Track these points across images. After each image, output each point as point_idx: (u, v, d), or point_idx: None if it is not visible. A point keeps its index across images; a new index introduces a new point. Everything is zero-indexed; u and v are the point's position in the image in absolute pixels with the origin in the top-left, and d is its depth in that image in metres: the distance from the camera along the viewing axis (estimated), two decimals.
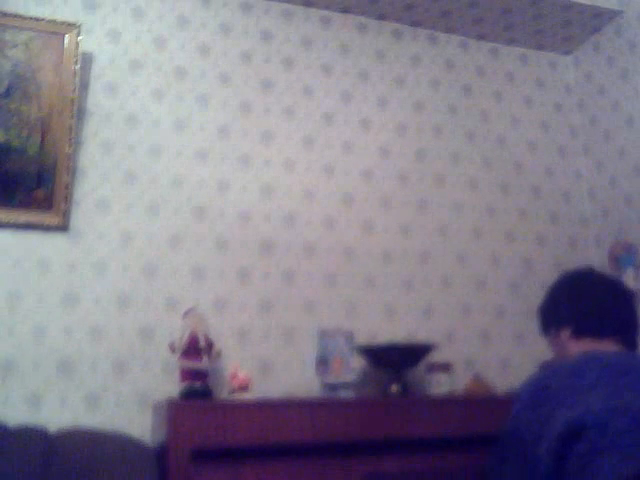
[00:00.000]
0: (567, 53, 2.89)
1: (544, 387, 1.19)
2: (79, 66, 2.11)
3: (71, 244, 2.05)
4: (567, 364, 1.23)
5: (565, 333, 1.43)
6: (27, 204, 1.99)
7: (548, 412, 1.12)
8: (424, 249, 2.46)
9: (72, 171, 2.06)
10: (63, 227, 2.03)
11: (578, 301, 1.43)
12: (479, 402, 1.94)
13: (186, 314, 1.95)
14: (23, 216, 1.98)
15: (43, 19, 2.10)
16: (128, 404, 1.98)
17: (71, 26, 2.13)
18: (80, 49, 2.12)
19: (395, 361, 2.06)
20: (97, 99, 2.18)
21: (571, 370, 1.19)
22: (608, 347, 1.35)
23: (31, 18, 2.09)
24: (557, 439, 1.07)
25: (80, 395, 1.95)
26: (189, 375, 1.87)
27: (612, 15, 2.62)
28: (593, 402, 1.08)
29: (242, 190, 2.28)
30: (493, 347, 2.44)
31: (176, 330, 1.97)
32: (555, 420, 1.09)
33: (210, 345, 1.92)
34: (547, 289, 1.57)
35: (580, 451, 1.03)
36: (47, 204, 2.01)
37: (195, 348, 1.89)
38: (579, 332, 1.40)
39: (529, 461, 1.12)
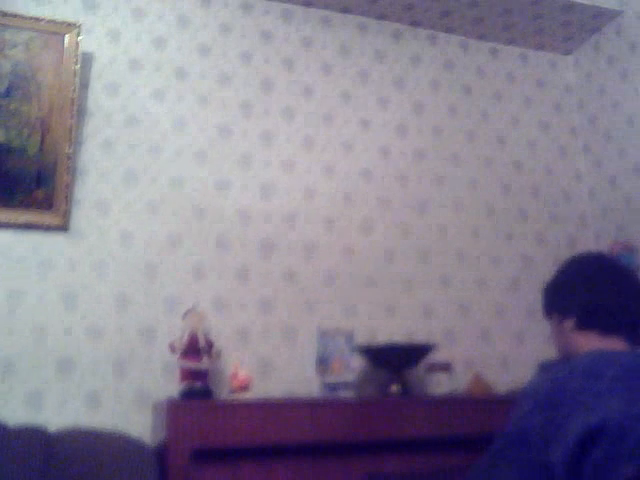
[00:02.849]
0: (567, 53, 2.89)
1: (557, 389, 1.13)
2: (79, 66, 2.11)
3: (71, 244, 2.05)
4: (580, 364, 1.17)
5: (569, 323, 1.35)
6: (27, 204, 1.99)
7: (563, 416, 1.08)
8: (424, 249, 2.46)
9: (72, 171, 2.06)
10: (63, 227, 2.03)
11: (587, 290, 1.35)
12: (479, 402, 1.94)
13: (186, 314, 1.95)
14: (23, 216, 1.98)
15: (43, 19, 2.10)
16: (128, 404, 1.98)
17: (71, 26, 2.13)
18: (80, 49, 2.12)
19: (395, 361, 2.06)
20: (97, 99, 2.18)
21: (585, 372, 1.14)
22: (615, 344, 1.29)
23: (31, 18, 2.09)
24: (575, 445, 1.02)
25: (80, 395, 1.95)
26: (189, 375, 1.87)
27: (612, 15, 2.62)
28: (613, 407, 1.04)
29: (242, 190, 2.28)
30: (493, 347, 2.44)
31: (176, 330, 1.97)
32: (572, 425, 1.05)
33: (210, 345, 1.92)
34: (557, 268, 1.47)
35: (598, 457, 1.00)
36: (47, 204, 2.01)
37: (195, 348, 1.89)
38: (585, 325, 1.33)
39: (538, 466, 1.08)
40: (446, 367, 2.14)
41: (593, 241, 2.68)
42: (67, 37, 2.11)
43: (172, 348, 1.91)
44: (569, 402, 1.09)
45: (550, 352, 2.42)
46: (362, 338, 2.24)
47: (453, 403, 1.93)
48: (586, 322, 1.33)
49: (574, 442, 1.03)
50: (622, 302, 1.32)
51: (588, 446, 1.02)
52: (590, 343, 1.31)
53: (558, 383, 1.14)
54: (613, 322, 1.31)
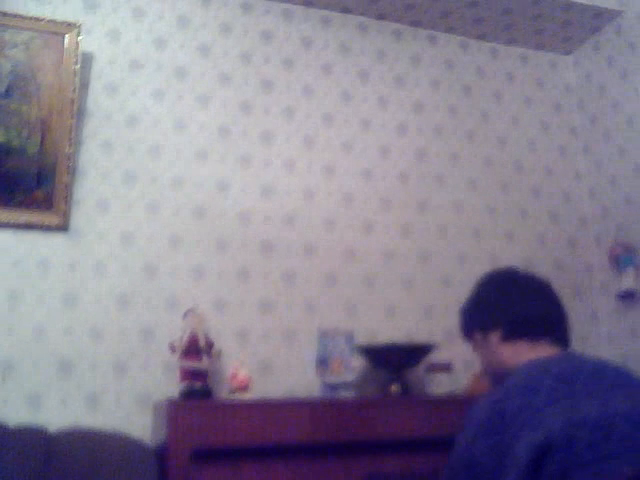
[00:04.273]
0: (567, 53, 2.89)
1: (498, 412, 1.12)
2: (79, 66, 2.11)
3: (71, 244, 2.05)
4: (516, 382, 1.16)
5: (495, 336, 1.36)
6: (27, 204, 1.99)
7: (509, 437, 1.07)
8: (424, 249, 2.46)
9: (72, 171, 2.06)
10: (63, 227, 2.03)
11: (509, 302, 1.37)
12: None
13: (186, 314, 1.95)
14: (23, 216, 1.98)
15: (43, 19, 2.10)
16: (128, 404, 1.98)
17: (71, 26, 2.13)
18: (80, 49, 2.12)
19: (395, 361, 2.06)
20: (97, 99, 2.18)
21: (523, 389, 1.13)
22: (544, 350, 1.29)
23: (31, 18, 2.09)
24: (526, 465, 1.01)
25: (80, 395, 1.95)
26: (189, 375, 1.87)
27: (612, 15, 2.62)
28: (552, 420, 1.04)
29: (242, 190, 2.28)
30: None
31: (176, 330, 1.97)
32: (519, 445, 1.04)
33: (210, 345, 1.92)
34: (471, 291, 1.49)
35: (552, 472, 1.00)
36: (47, 204, 2.01)
37: (195, 348, 1.89)
38: (511, 335, 1.33)
39: None
40: (446, 367, 2.14)
41: (593, 241, 2.68)
42: (67, 37, 2.11)
43: (172, 348, 1.91)
44: (511, 423, 1.08)
45: None
46: (362, 338, 2.24)
47: (453, 403, 1.93)
48: (512, 333, 1.34)
49: (525, 464, 1.02)
50: (542, 308, 1.35)
51: (539, 463, 1.01)
52: (519, 353, 1.31)
53: (498, 405, 1.13)
54: (538, 329, 1.32)
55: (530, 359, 1.26)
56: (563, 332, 1.35)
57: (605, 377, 1.14)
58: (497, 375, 1.37)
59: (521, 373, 1.20)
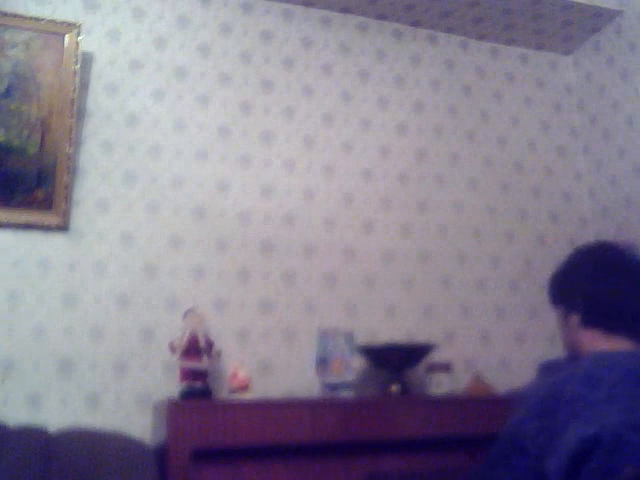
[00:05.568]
0: (567, 53, 2.89)
1: (554, 395, 1.10)
2: (79, 66, 2.11)
3: (71, 244, 2.05)
4: (580, 371, 1.13)
5: (574, 318, 1.31)
6: (27, 204, 1.99)
7: (558, 424, 1.05)
8: (424, 249, 2.46)
9: (72, 171, 2.06)
10: (63, 227, 2.03)
11: (594, 287, 1.30)
12: (479, 402, 1.94)
13: (186, 314, 1.95)
14: (23, 216, 1.98)
15: (43, 19, 2.10)
16: (128, 404, 1.98)
17: (71, 26, 2.13)
18: (80, 49, 2.12)
19: (395, 361, 2.06)
20: (97, 99, 2.18)
21: (584, 378, 1.10)
22: (621, 344, 1.24)
23: (31, 18, 2.09)
24: (570, 457, 1.00)
25: (80, 395, 1.95)
26: (189, 375, 1.87)
27: (612, 15, 2.62)
28: (608, 417, 1.02)
29: (242, 190, 2.28)
30: (493, 347, 2.44)
31: (176, 330, 1.97)
32: (567, 435, 1.03)
33: (210, 345, 1.92)
34: (568, 255, 1.42)
35: (594, 468, 0.98)
36: (47, 204, 2.01)
37: (195, 348, 1.89)
38: (590, 322, 1.28)
39: (533, 474, 1.06)
40: (446, 367, 2.14)
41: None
42: (67, 37, 2.11)
43: (172, 348, 1.91)
44: (565, 410, 1.06)
45: (550, 352, 2.42)
46: (362, 338, 2.24)
47: (453, 403, 1.93)
48: (591, 320, 1.29)
49: (569, 453, 1.01)
50: (627, 301, 1.28)
51: (584, 457, 1.00)
52: (595, 341, 1.27)
53: (556, 389, 1.11)
54: (618, 321, 1.27)
55: (603, 349, 1.23)
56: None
57: None
58: (571, 354, 1.35)
59: (587, 362, 1.17)
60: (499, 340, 2.46)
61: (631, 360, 1.15)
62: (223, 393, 2.03)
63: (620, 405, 1.04)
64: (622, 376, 1.10)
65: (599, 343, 1.26)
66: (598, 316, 1.29)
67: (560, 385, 1.13)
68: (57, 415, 1.90)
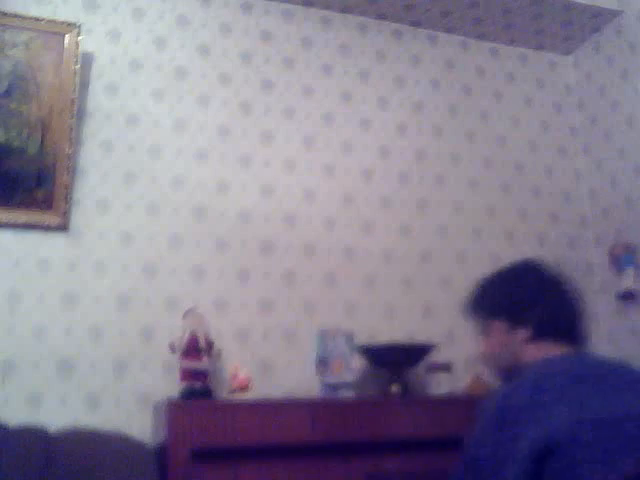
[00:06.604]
0: (567, 53, 2.89)
1: (507, 405, 1.13)
2: (79, 66, 2.11)
3: (71, 244, 2.05)
4: (528, 377, 1.17)
5: (523, 333, 1.33)
6: (27, 204, 1.99)
7: (515, 432, 1.07)
8: (424, 249, 2.46)
9: (72, 171, 2.06)
10: (63, 227, 2.03)
11: (541, 302, 1.35)
12: (479, 402, 1.94)
13: (186, 314, 1.95)
14: (23, 216, 1.98)
15: (43, 19, 2.10)
16: (128, 404, 1.98)
17: (71, 26, 2.13)
18: (80, 49, 2.12)
19: (395, 361, 2.06)
20: (97, 99, 2.18)
21: (533, 383, 1.14)
22: (563, 349, 1.29)
23: (31, 18, 2.09)
24: (528, 459, 1.02)
25: (80, 395, 1.95)
26: (189, 375, 1.87)
27: (612, 15, 2.62)
28: (559, 417, 1.04)
29: (242, 190, 2.28)
30: None
31: (176, 330, 1.97)
32: (523, 439, 1.04)
33: (210, 345, 1.92)
34: (496, 273, 1.47)
35: (555, 469, 1.00)
36: (47, 204, 2.01)
37: (195, 348, 1.89)
38: (540, 335, 1.32)
39: None
40: (446, 367, 2.14)
41: (593, 241, 2.68)
42: (67, 37, 2.11)
43: (172, 348, 1.91)
44: (518, 419, 1.08)
45: None
46: (362, 338, 2.24)
47: (453, 403, 1.93)
48: (543, 332, 1.33)
49: (526, 458, 1.02)
50: (569, 308, 1.36)
51: (543, 458, 1.01)
52: (541, 351, 1.31)
53: (505, 401, 1.14)
54: (563, 329, 1.33)
55: (543, 358, 1.27)
56: (581, 331, 1.37)
57: (618, 378, 1.15)
58: (503, 367, 1.38)
59: (534, 370, 1.21)
60: None
61: (575, 362, 1.22)
62: (223, 393, 2.03)
63: (571, 404, 1.06)
64: (569, 378, 1.13)
65: (544, 352, 1.30)
66: (549, 328, 1.33)
67: (510, 395, 1.15)
68: (57, 415, 1.90)
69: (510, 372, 1.35)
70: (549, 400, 1.08)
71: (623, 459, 0.99)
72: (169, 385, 1.99)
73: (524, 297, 1.39)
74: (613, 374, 1.16)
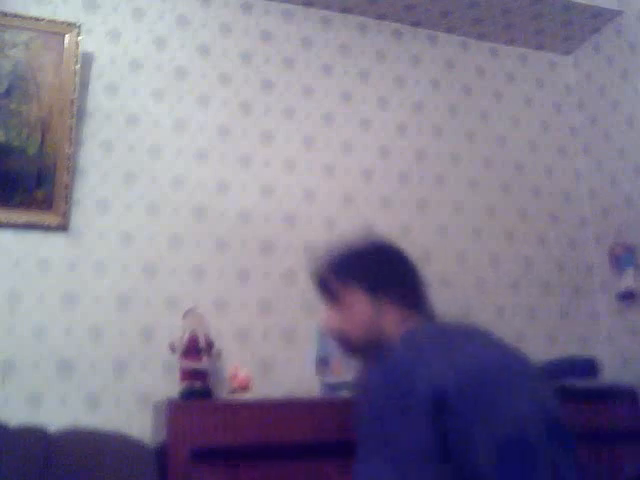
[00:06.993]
0: (567, 53, 2.89)
1: (395, 378, 1.14)
2: (79, 66, 2.11)
3: (71, 244, 2.05)
4: (403, 347, 1.19)
5: (386, 305, 1.29)
6: (27, 204, 1.99)
7: (407, 394, 1.08)
8: (424, 249, 2.46)
9: (72, 171, 2.06)
10: (63, 227, 2.03)
11: (404, 271, 1.36)
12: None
13: (186, 314, 1.95)
14: (23, 216, 1.98)
15: (43, 19, 2.10)
16: (128, 404, 1.98)
17: (71, 26, 2.13)
18: (80, 49, 2.12)
19: None
20: (97, 99, 2.18)
21: (410, 349, 1.16)
22: (418, 318, 1.30)
23: (31, 18, 2.09)
24: (425, 417, 1.03)
25: (80, 395, 1.94)
26: (189, 375, 1.87)
27: (612, 15, 2.62)
28: (442, 371, 1.05)
29: (242, 190, 2.28)
30: None
31: (176, 330, 1.97)
32: (417, 402, 1.06)
33: (210, 345, 1.92)
34: (350, 245, 1.39)
35: (449, 422, 1.02)
36: (47, 204, 2.01)
37: (195, 348, 1.89)
38: (402, 306, 1.29)
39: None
40: None
41: (593, 241, 2.68)
42: (67, 37, 2.11)
43: (172, 348, 1.91)
44: (407, 380, 1.09)
45: (550, 353, 2.42)
46: None
47: None
48: (403, 303, 1.31)
49: (423, 415, 1.04)
50: (419, 279, 1.37)
51: (437, 415, 1.02)
52: (405, 323, 1.28)
53: (392, 370, 1.15)
54: (422, 302, 1.34)
55: (410, 326, 1.27)
56: (430, 302, 1.38)
57: (483, 336, 1.17)
58: (363, 341, 1.30)
59: (407, 337, 1.22)
60: None
61: (438, 327, 1.27)
62: (223, 393, 2.03)
63: (449, 360, 1.07)
64: (437, 340, 1.16)
65: (409, 323, 1.29)
66: (410, 299, 1.33)
67: (393, 366, 1.16)
68: (57, 415, 1.90)
69: (369, 346, 1.29)
70: (429, 357, 1.10)
71: (512, 407, 1.01)
72: (169, 385, 1.99)
73: (387, 268, 1.36)
74: (479, 333, 1.19)
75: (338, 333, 1.34)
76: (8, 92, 2.02)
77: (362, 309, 1.31)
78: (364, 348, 1.31)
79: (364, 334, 1.30)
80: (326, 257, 1.40)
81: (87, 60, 2.18)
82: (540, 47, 2.84)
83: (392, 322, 1.29)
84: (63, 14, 2.18)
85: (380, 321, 1.29)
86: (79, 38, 2.12)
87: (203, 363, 1.88)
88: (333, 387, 1.98)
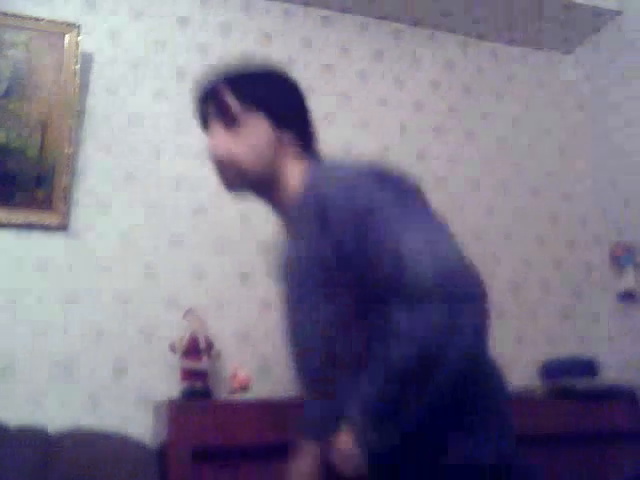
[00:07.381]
0: (567, 53, 2.89)
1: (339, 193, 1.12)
2: (79, 66, 2.11)
3: (71, 244, 2.05)
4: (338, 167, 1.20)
5: (287, 138, 1.20)
6: (27, 204, 1.99)
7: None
8: None
9: (72, 171, 2.06)
10: (63, 227, 2.03)
11: (304, 112, 1.29)
12: None
13: (186, 314, 1.95)
14: (23, 216, 1.98)
15: (43, 19, 2.10)
16: (128, 404, 1.98)
17: (71, 26, 2.13)
18: (80, 49, 2.12)
19: None
20: (97, 99, 2.18)
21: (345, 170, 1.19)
22: (310, 160, 1.25)
23: (31, 18, 2.09)
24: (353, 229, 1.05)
25: (80, 395, 1.94)
26: (189, 375, 1.87)
27: (612, 15, 2.62)
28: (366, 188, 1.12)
29: None
30: (493, 347, 2.43)
31: (176, 330, 1.97)
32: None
33: (210, 345, 1.92)
34: (256, 65, 1.27)
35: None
36: (47, 204, 2.01)
37: (195, 348, 1.89)
38: (302, 142, 1.24)
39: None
40: None
41: (593, 241, 2.67)
42: (67, 37, 2.11)
43: (172, 348, 1.91)
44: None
45: (550, 353, 2.42)
46: None
47: None
48: (303, 140, 1.25)
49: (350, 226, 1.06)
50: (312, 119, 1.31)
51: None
52: (303, 163, 1.24)
53: (342, 188, 1.14)
54: (312, 140, 1.31)
55: (308, 168, 1.22)
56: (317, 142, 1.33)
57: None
58: (252, 173, 1.19)
59: (324, 169, 1.21)
60: (499, 340, 2.45)
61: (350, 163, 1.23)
62: (223, 393, 2.03)
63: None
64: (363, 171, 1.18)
65: (301, 159, 1.24)
66: (307, 136, 1.28)
67: (348, 175, 1.19)
68: (57, 415, 1.89)
69: (259, 180, 1.18)
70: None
71: None
72: (169, 385, 1.99)
73: (292, 100, 1.26)
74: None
75: (229, 160, 1.19)
76: (8, 92, 2.02)
77: (263, 138, 1.18)
78: (253, 181, 1.19)
79: (259, 165, 1.18)
80: (225, 74, 1.24)
81: (87, 60, 2.18)
82: (540, 47, 2.84)
83: (289, 158, 1.20)
84: (63, 14, 2.18)
85: (278, 155, 1.19)
86: (79, 38, 2.12)
87: (203, 363, 1.89)
88: None
